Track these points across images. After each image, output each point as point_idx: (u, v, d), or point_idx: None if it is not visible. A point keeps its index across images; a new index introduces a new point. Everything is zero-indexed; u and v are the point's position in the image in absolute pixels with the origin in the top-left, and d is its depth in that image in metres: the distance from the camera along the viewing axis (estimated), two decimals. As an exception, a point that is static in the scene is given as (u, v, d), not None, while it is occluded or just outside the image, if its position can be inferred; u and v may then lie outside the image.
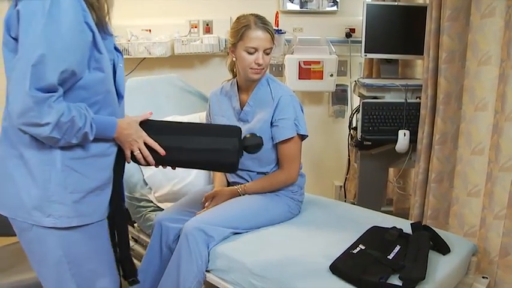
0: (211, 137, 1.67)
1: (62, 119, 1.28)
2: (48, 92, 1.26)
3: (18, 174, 1.38)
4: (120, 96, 1.52)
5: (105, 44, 1.41)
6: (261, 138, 1.80)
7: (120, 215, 1.59)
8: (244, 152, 1.76)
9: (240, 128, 1.73)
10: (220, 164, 1.71)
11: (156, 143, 1.56)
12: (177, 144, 1.62)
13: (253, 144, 1.77)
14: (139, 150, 1.54)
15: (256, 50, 1.97)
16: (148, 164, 1.59)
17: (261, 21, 1.98)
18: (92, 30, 1.34)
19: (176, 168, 1.72)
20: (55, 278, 1.47)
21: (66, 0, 1.26)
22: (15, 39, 1.29)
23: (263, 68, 2.00)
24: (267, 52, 1.99)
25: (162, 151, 1.57)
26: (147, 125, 1.58)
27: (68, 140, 1.33)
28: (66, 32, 1.26)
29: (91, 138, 1.39)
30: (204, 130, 1.73)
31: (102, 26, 1.39)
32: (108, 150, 1.48)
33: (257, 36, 1.96)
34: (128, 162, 1.57)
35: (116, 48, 1.51)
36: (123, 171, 1.59)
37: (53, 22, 1.24)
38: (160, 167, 1.67)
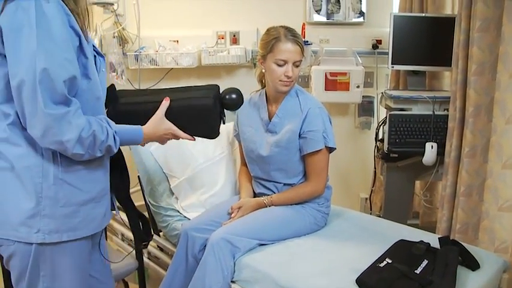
0: (189, 91, 1.69)
1: (82, 134, 1.27)
2: (63, 105, 1.24)
3: (8, 188, 1.31)
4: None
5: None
6: (239, 92, 1.75)
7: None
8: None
9: (218, 86, 1.72)
10: (195, 108, 1.63)
11: (184, 133, 1.61)
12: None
13: (231, 98, 1.72)
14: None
15: (285, 62, 1.97)
16: None
17: (291, 34, 1.99)
18: (78, 34, 1.31)
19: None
20: None
21: (50, 7, 1.22)
22: (1, 55, 1.25)
23: (292, 81, 2.01)
24: (296, 64, 1.99)
25: (191, 138, 1.64)
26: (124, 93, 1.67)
27: (93, 154, 1.32)
28: (60, 40, 1.23)
29: (115, 150, 1.39)
30: (183, 88, 1.72)
31: (83, 31, 1.35)
32: (103, 161, 1.44)
33: (287, 49, 1.96)
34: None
35: (98, 53, 1.48)
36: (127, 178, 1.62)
37: (44, 33, 1.20)
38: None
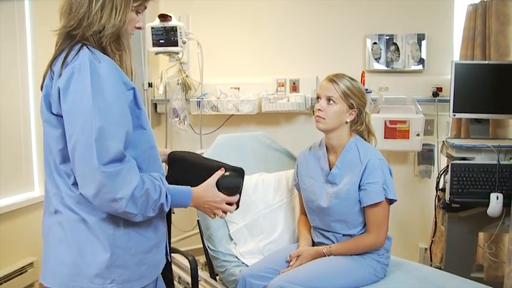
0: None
1: (135, 193, 1.27)
2: (118, 163, 1.25)
3: (83, 240, 1.33)
4: None
5: None
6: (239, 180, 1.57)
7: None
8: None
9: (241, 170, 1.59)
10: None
11: (232, 199, 1.54)
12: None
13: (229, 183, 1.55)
14: (222, 211, 1.54)
15: (319, 97, 2.05)
16: None
17: (333, 74, 2.07)
18: (132, 87, 1.35)
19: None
20: None
21: (102, 67, 1.27)
22: (56, 115, 1.31)
23: (324, 118, 2.04)
24: (329, 100, 2.03)
25: (234, 206, 1.56)
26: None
27: (146, 214, 1.32)
28: (113, 98, 1.26)
29: (167, 209, 1.39)
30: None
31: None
32: None
33: (321, 85, 2.08)
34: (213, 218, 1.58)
35: None
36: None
37: (99, 93, 1.24)
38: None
